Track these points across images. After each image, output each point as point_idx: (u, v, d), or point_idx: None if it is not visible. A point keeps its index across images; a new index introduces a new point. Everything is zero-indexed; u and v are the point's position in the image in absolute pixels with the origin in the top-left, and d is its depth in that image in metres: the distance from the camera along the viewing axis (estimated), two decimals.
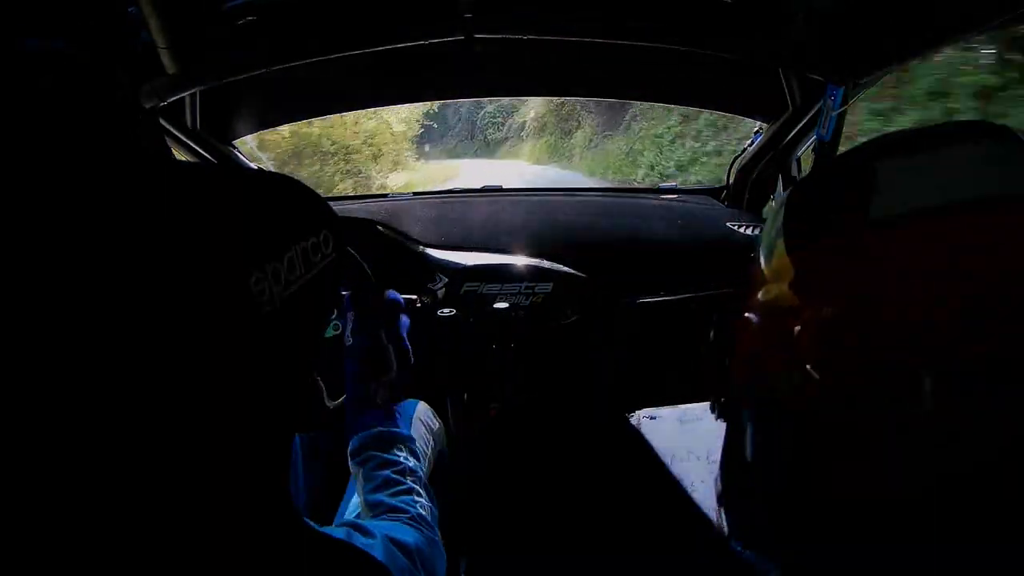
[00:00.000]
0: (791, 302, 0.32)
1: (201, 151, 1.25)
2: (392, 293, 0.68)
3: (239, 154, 1.40)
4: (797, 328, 0.30)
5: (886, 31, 0.85)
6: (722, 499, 0.39)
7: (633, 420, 0.91)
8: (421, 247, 1.21)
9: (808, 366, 0.29)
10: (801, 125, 1.16)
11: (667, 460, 0.85)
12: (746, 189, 1.36)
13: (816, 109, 1.06)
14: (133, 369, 0.24)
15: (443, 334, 1.11)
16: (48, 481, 0.23)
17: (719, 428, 0.89)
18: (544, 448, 1.12)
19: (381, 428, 0.63)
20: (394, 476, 0.59)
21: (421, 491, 0.59)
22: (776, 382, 0.32)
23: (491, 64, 1.22)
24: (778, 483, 0.34)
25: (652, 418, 0.90)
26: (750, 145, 1.34)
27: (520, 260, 1.19)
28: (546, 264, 1.19)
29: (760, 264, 0.36)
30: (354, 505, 0.70)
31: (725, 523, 0.38)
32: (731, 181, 1.40)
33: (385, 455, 0.60)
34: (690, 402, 0.93)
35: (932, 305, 0.26)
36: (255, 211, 0.32)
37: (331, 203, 0.79)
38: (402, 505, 0.56)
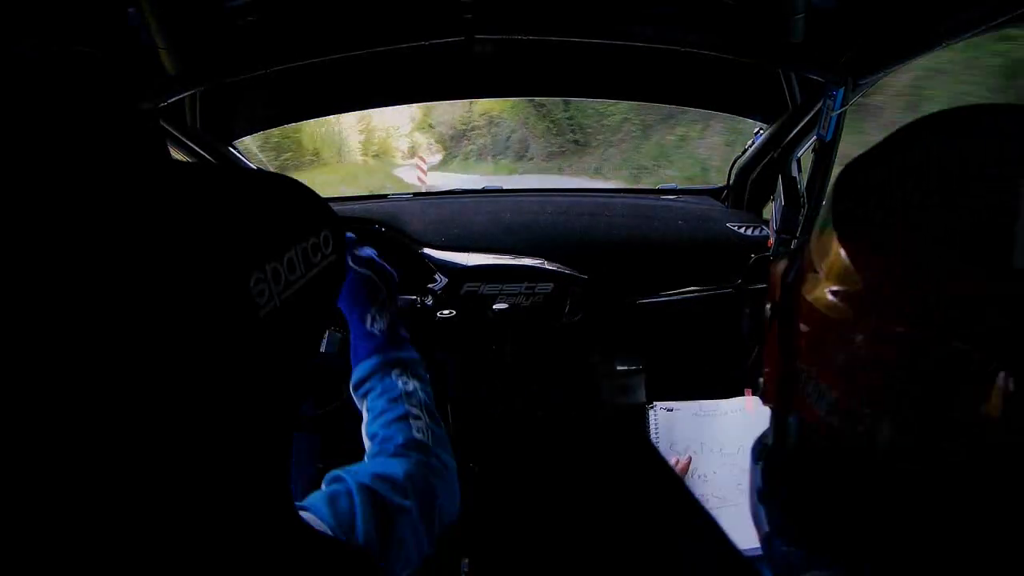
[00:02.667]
0: (848, 298, 0.28)
1: (201, 151, 1.25)
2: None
3: (239, 154, 1.40)
4: (858, 326, 0.28)
5: (886, 31, 0.85)
6: (765, 496, 0.37)
7: (651, 413, 0.91)
8: (421, 247, 1.21)
9: (872, 366, 0.27)
10: (801, 125, 1.16)
11: (681, 454, 0.85)
12: (746, 189, 1.36)
13: (816, 109, 1.06)
14: (131, 369, 0.24)
15: (443, 335, 1.11)
16: (45, 482, 0.23)
17: (735, 423, 0.89)
18: (546, 448, 1.12)
19: (377, 357, 0.61)
20: (390, 404, 0.57)
21: (420, 413, 0.57)
22: (835, 384, 0.29)
23: (491, 64, 1.22)
24: (817, 484, 0.31)
25: (669, 410, 0.90)
26: (750, 145, 1.34)
27: (520, 260, 1.19)
28: (546, 264, 1.19)
29: (810, 254, 0.33)
30: None
31: (764, 520, 0.37)
32: (731, 181, 1.40)
33: (382, 383, 0.59)
34: (695, 399, 0.93)
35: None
36: (255, 211, 0.32)
37: (331, 203, 0.79)
38: (392, 433, 0.54)
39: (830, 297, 0.30)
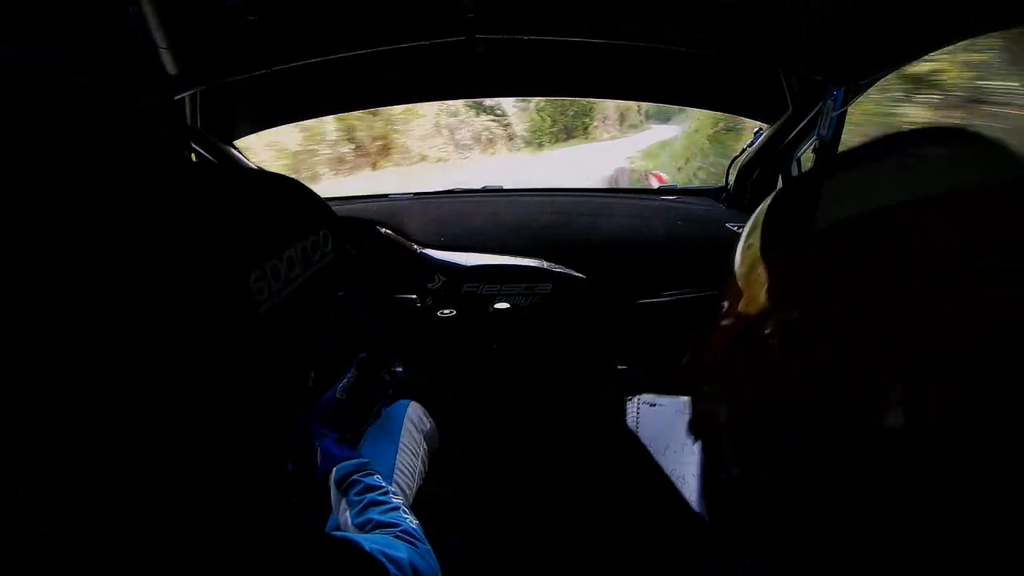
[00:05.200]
0: (764, 309, 0.31)
1: (202, 151, 1.25)
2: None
3: (239, 154, 1.40)
4: (769, 336, 0.30)
5: (886, 31, 0.85)
6: (705, 499, 0.39)
7: (632, 406, 0.90)
8: (421, 247, 1.21)
9: (780, 375, 0.29)
10: (802, 126, 1.16)
11: (662, 451, 0.85)
12: (746, 190, 1.36)
13: (816, 110, 1.06)
14: (132, 366, 0.24)
15: (443, 334, 1.11)
16: (45, 480, 0.23)
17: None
18: (544, 447, 1.12)
19: (362, 459, 0.67)
20: (379, 497, 0.62)
21: (406, 510, 0.62)
22: (747, 391, 0.31)
23: (491, 64, 1.22)
24: (753, 495, 0.33)
25: (652, 405, 0.89)
26: (750, 145, 1.34)
27: (520, 260, 1.19)
28: (546, 264, 1.19)
29: (735, 270, 0.36)
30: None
31: (707, 520, 0.39)
32: (731, 182, 1.40)
33: (367, 480, 0.65)
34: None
35: (908, 307, 0.25)
36: (255, 210, 0.32)
37: (331, 203, 0.79)
38: (392, 520, 0.58)
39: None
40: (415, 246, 1.21)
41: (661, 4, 0.90)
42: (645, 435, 0.87)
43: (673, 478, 0.83)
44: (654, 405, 0.89)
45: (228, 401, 0.28)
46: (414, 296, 1.14)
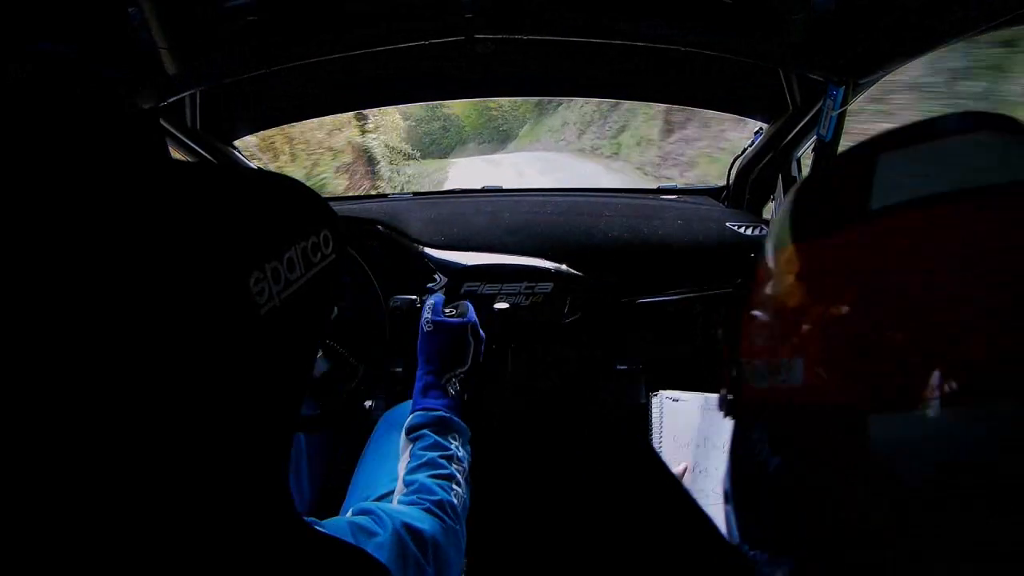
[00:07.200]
0: (798, 297, 0.31)
1: (201, 151, 1.25)
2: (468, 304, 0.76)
3: (239, 154, 1.40)
4: (803, 325, 0.30)
5: (886, 31, 0.85)
6: (729, 498, 0.38)
7: (655, 401, 0.91)
8: (421, 247, 1.21)
9: (815, 364, 0.29)
10: (802, 125, 1.16)
11: (683, 446, 0.85)
12: (746, 189, 1.36)
13: (816, 109, 1.06)
14: (131, 368, 0.24)
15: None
16: (45, 481, 0.23)
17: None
18: (545, 446, 1.12)
19: (443, 414, 0.65)
20: (440, 460, 0.61)
21: (461, 481, 0.61)
22: (782, 379, 0.31)
23: (491, 64, 1.22)
24: (784, 487, 0.33)
25: (674, 400, 0.90)
26: (750, 145, 1.34)
27: (520, 260, 1.19)
28: (546, 264, 1.19)
29: (767, 259, 0.35)
30: (388, 477, 0.73)
31: (733, 522, 0.38)
32: (731, 181, 1.40)
33: (439, 438, 0.63)
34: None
35: (941, 298, 0.25)
36: (255, 210, 0.32)
37: (331, 203, 0.79)
38: (434, 487, 0.57)
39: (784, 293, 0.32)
40: (415, 245, 1.21)
41: (660, 3, 0.90)
42: (667, 432, 0.88)
43: (699, 474, 0.83)
44: (676, 400, 0.90)
45: (227, 403, 0.28)
46: (414, 296, 1.14)
